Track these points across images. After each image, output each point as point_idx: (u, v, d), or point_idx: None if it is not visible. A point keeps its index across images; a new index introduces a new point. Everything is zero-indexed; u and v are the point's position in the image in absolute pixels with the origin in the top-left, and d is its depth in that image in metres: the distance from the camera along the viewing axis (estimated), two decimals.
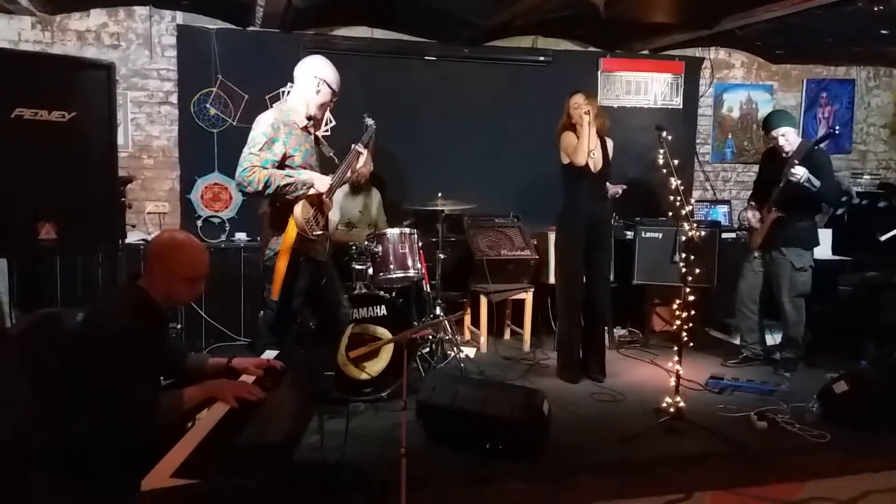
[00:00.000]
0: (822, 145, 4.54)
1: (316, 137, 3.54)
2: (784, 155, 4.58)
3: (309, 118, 3.40)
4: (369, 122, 3.79)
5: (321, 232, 3.36)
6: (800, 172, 4.36)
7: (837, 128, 6.13)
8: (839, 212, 6.03)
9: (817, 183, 4.40)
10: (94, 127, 3.25)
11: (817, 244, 4.75)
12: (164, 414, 2.09)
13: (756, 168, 5.25)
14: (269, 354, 2.85)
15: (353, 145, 3.59)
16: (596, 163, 4.36)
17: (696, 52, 6.32)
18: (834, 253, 5.54)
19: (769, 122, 4.67)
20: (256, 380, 2.47)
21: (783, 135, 4.54)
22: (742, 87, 6.53)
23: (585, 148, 4.24)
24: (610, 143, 4.51)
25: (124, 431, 1.99)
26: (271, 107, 3.51)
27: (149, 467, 1.75)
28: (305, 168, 3.32)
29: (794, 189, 4.44)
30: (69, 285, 4.52)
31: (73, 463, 1.98)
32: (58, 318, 2.36)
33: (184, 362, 2.52)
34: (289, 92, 4.79)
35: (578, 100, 4.33)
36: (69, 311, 2.41)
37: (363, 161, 3.58)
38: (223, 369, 2.52)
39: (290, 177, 3.21)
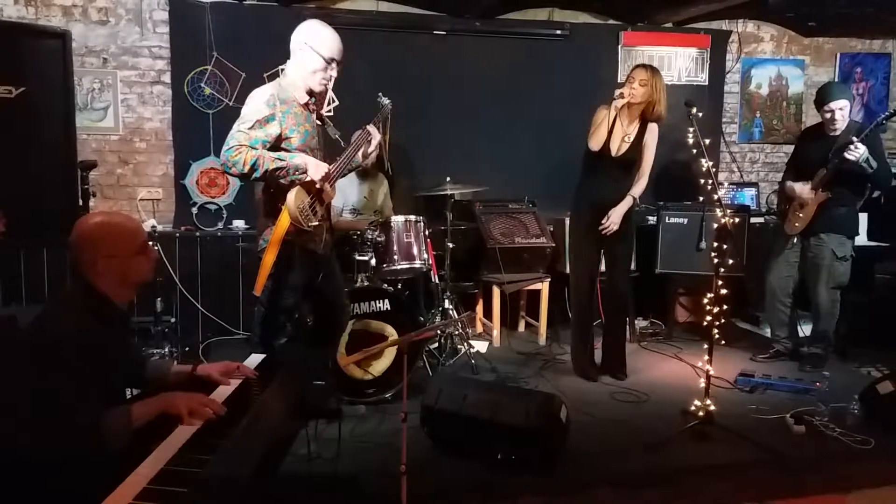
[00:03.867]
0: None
1: (320, 117, 3.22)
2: (832, 132, 4.24)
3: (310, 94, 3.08)
4: (385, 101, 3.50)
5: (318, 223, 3.05)
6: (861, 151, 4.01)
7: None
8: (875, 194, 5.68)
9: (875, 164, 4.08)
10: (49, 104, 2.92)
11: (857, 233, 4.43)
12: (112, 433, 1.80)
13: (787, 148, 4.90)
14: (256, 358, 2.58)
15: (364, 126, 3.26)
16: (620, 147, 4.02)
17: (723, 24, 6.00)
18: (869, 239, 5.27)
19: (827, 94, 4.28)
20: (234, 391, 2.20)
21: (841, 108, 4.20)
22: (771, 62, 6.18)
23: (601, 136, 3.93)
24: (654, 132, 4.07)
25: (67, 450, 1.72)
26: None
27: (104, 495, 1.52)
28: (304, 151, 3.00)
29: (848, 169, 4.10)
30: (36, 281, 4.09)
31: (21, 486, 1.72)
32: (12, 321, 2.09)
33: (144, 371, 2.25)
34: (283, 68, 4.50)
35: (634, 73, 3.94)
36: (27, 311, 2.14)
37: (375, 145, 3.26)
38: (187, 378, 2.25)
39: (282, 160, 2.89)
